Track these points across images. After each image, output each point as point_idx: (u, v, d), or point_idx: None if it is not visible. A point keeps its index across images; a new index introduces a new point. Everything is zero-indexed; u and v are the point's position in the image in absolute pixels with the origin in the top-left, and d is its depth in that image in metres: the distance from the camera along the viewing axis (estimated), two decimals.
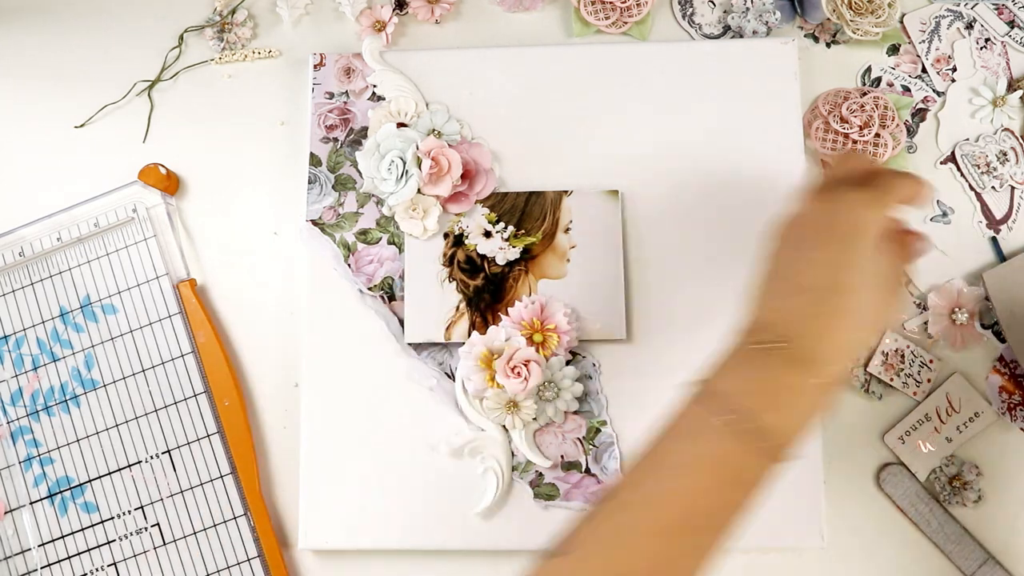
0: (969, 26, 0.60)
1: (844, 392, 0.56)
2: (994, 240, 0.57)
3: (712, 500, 0.40)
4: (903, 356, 0.55)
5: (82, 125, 0.63)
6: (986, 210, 0.58)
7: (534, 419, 0.54)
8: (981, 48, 0.60)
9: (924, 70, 0.60)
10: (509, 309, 0.55)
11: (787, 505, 0.53)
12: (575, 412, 0.55)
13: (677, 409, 0.42)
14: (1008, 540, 0.54)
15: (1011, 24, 0.60)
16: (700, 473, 0.40)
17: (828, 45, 0.61)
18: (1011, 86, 0.59)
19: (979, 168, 0.58)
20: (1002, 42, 0.60)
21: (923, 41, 0.60)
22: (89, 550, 0.57)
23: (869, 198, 0.42)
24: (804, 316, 0.42)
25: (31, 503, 0.57)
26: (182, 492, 0.57)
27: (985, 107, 0.59)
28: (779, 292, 0.44)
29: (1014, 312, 0.54)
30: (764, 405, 0.40)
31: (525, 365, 0.53)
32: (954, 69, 0.60)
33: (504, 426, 0.55)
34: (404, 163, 0.57)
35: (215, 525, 0.56)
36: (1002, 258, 0.57)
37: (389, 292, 0.57)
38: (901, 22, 0.61)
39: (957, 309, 0.55)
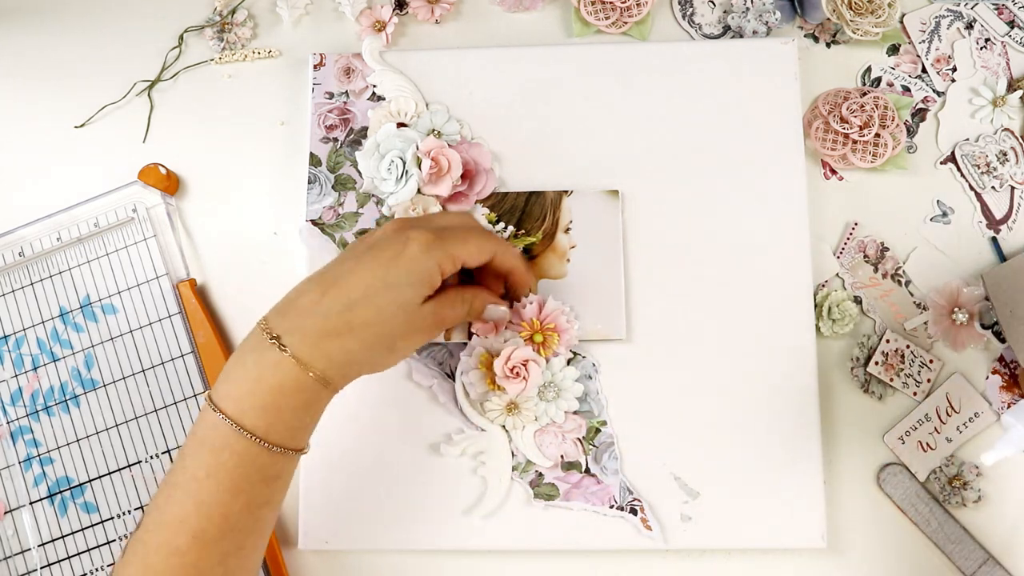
0: (969, 26, 0.60)
1: (843, 391, 0.56)
2: (994, 240, 0.57)
3: (230, 506, 0.42)
4: (903, 356, 0.55)
5: (82, 125, 0.63)
6: (986, 210, 0.58)
7: (535, 419, 0.54)
8: (981, 48, 0.60)
9: (924, 70, 0.60)
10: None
11: (787, 505, 0.53)
12: (575, 412, 0.55)
13: (199, 415, 0.43)
14: (1008, 540, 0.54)
15: (1011, 24, 0.60)
16: (215, 483, 0.42)
17: (828, 45, 0.61)
18: (1011, 86, 0.59)
19: (979, 168, 0.58)
20: (1002, 42, 0.60)
21: (923, 41, 0.60)
22: (89, 550, 0.57)
23: (430, 240, 0.45)
24: (300, 316, 0.44)
25: (31, 503, 0.57)
26: None
27: (985, 107, 0.59)
28: (296, 293, 0.46)
29: (1014, 312, 0.54)
30: (259, 407, 0.42)
31: (524, 365, 0.53)
32: (954, 69, 0.60)
33: (504, 426, 0.55)
34: (404, 163, 0.57)
35: None
36: (1002, 258, 0.57)
37: None
38: (901, 22, 0.61)
39: (957, 309, 0.55)
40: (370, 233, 0.48)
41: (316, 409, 0.45)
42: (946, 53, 0.60)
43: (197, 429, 0.43)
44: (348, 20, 0.63)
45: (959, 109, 0.59)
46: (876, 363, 0.55)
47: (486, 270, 0.51)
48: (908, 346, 0.55)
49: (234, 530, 0.43)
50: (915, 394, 0.55)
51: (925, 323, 0.56)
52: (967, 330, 0.55)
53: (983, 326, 0.56)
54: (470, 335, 0.55)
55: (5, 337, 0.59)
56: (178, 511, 0.42)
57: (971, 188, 0.58)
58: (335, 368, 0.44)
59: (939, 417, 0.55)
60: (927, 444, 0.55)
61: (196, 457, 0.43)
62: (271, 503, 0.45)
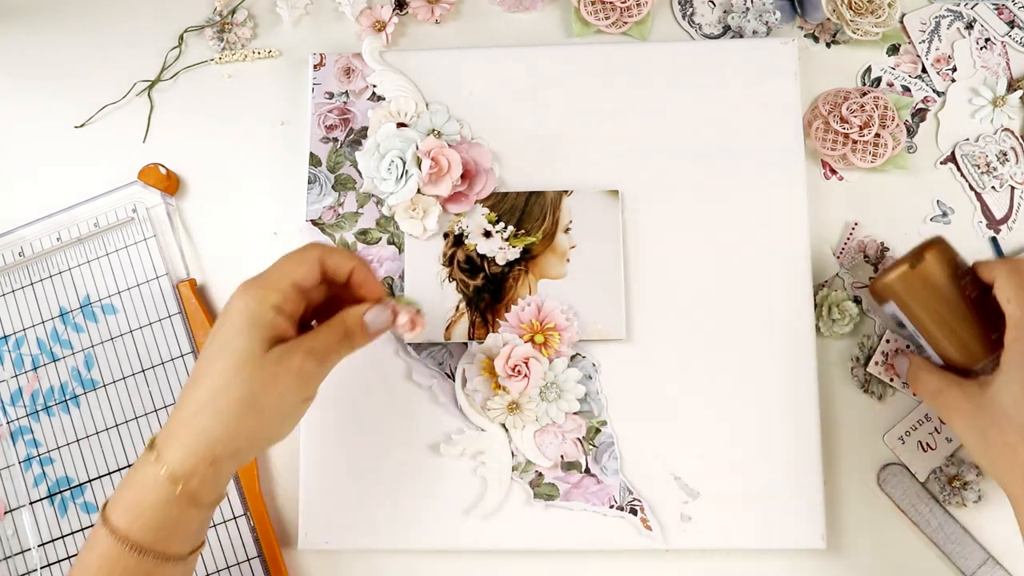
0: (969, 26, 0.60)
1: (843, 391, 0.56)
2: (994, 240, 0.57)
3: None
4: None
5: (82, 125, 0.63)
6: (986, 210, 0.58)
7: (535, 420, 0.54)
8: (981, 48, 0.60)
9: (924, 70, 0.60)
10: (507, 314, 0.55)
11: (787, 505, 0.53)
12: (575, 412, 0.55)
13: (92, 529, 0.44)
14: (1008, 540, 0.53)
15: (1011, 24, 0.60)
16: None
17: (828, 45, 0.61)
18: (1011, 86, 0.59)
19: (979, 168, 0.58)
20: (1002, 42, 0.60)
21: (923, 41, 0.60)
22: None
23: (245, 285, 0.44)
24: (173, 422, 0.43)
25: (31, 503, 0.57)
26: None
27: (985, 107, 0.59)
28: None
29: None
30: (143, 523, 0.42)
31: (524, 362, 0.53)
32: (954, 69, 0.60)
33: (504, 426, 0.55)
34: (404, 163, 0.57)
35: (215, 525, 0.56)
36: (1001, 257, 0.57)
37: (389, 292, 0.57)
38: (901, 22, 0.61)
39: None
40: None
41: (179, 511, 0.43)
42: (946, 53, 0.60)
43: (91, 541, 0.43)
44: (348, 20, 0.63)
45: (959, 109, 0.59)
46: (876, 363, 0.55)
47: (344, 287, 0.48)
48: (908, 346, 0.55)
49: None
50: (915, 395, 0.55)
51: None
52: None
53: None
54: (470, 336, 0.55)
55: (5, 337, 0.59)
56: None
57: (971, 188, 0.58)
58: (196, 455, 0.42)
59: (939, 417, 0.55)
60: (927, 444, 0.55)
61: (91, 569, 0.43)
62: None
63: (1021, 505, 0.44)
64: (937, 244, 0.50)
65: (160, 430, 0.44)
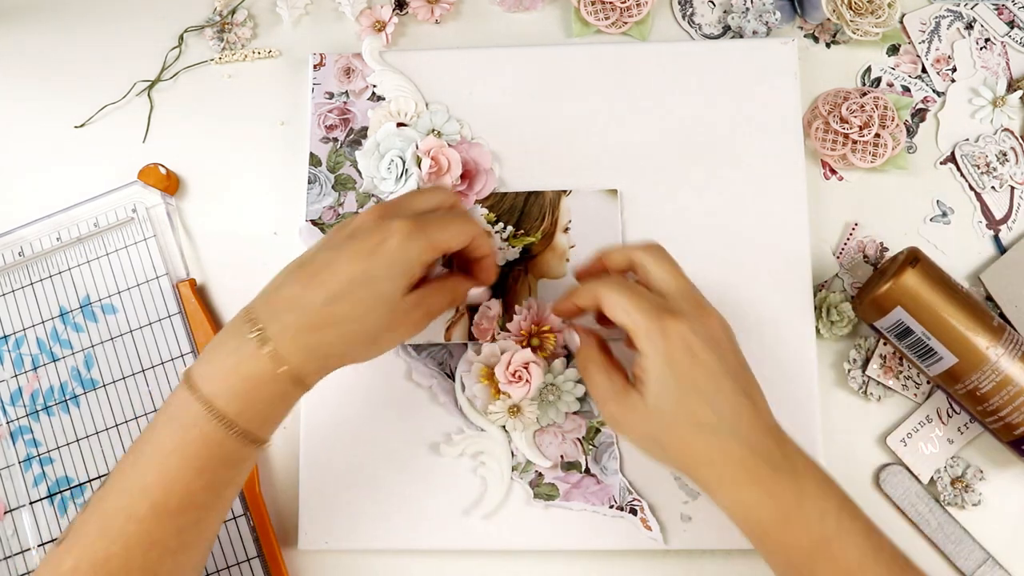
0: (969, 26, 0.60)
1: (842, 393, 0.56)
2: (996, 239, 0.57)
3: (192, 483, 0.43)
4: (901, 358, 0.55)
5: (82, 125, 0.63)
6: (986, 210, 0.58)
7: (535, 421, 0.54)
8: (981, 48, 0.60)
9: (924, 70, 0.60)
10: (508, 324, 0.55)
11: None
12: (575, 412, 0.55)
13: (175, 390, 0.44)
14: (1009, 540, 0.53)
15: (1011, 24, 0.60)
16: (180, 458, 0.42)
17: (828, 45, 0.61)
18: (1011, 86, 0.59)
19: (979, 168, 0.58)
20: (1002, 42, 0.60)
21: (923, 41, 0.60)
22: None
23: (410, 229, 0.45)
24: (282, 307, 0.44)
25: (31, 503, 0.57)
26: None
27: (985, 107, 0.59)
28: (280, 280, 0.46)
29: (1018, 306, 0.54)
30: (232, 393, 0.42)
31: (525, 368, 0.53)
32: (954, 69, 0.60)
33: (504, 427, 0.55)
34: (404, 162, 0.57)
35: None
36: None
37: None
38: (901, 22, 0.61)
39: None
40: (350, 219, 0.47)
41: (286, 404, 0.45)
42: (946, 53, 0.60)
43: (170, 403, 0.44)
44: (348, 20, 0.63)
45: (959, 109, 0.59)
46: (874, 365, 0.55)
47: (458, 254, 0.50)
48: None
49: (194, 506, 0.43)
50: (915, 396, 0.55)
51: None
52: None
53: None
54: (470, 336, 0.55)
55: (5, 337, 0.59)
56: (141, 480, 0.43)
57: (971, 188, 0.58)
58: (313, 361, 0.44)
59: (940, 418, 0.55)
60: (929, 446, 0.55)
61: (165, 430, 0.43)
62: (233, 483, 0.45)
63: (710, 487, 0.44)
64: (915, 249, 0.52)
65: (260, 311, 0.44)
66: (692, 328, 0.44)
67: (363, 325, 0.44)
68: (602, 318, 0.50)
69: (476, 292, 0.52)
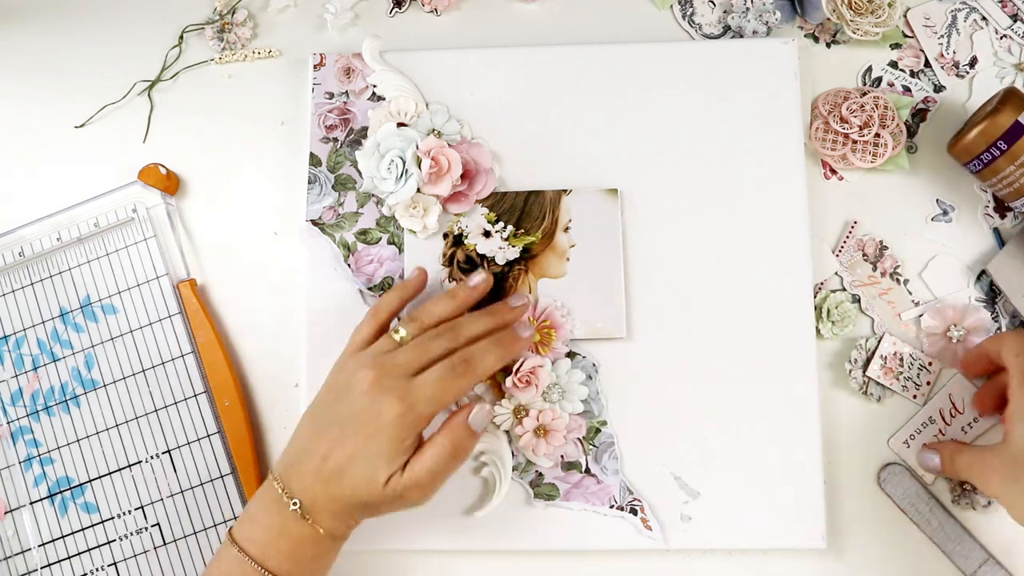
0: (983, 19, 0.60)
1: (842, 393, 0.56)
2: (996, 231, 0.57)
3: None
4: (902, 359, 0.55)
5: (82, 125, 0.63)
6: (997, 200, 0.57)
7: (537, 420, 0.54)
8: (1002, 37, 0.60)
9: (927, 64, 0.60)
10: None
11: (787, 506, 0.53)
12: (576, 413, 0.55)
13: (220, 550, 0.48)
14: (1010, 540, 0.53)
15: (1014, 18, 0.60)
16: None
17: (828, 45, 0.61)
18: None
19: None
20: (1006, 35, 0.60)
21: (942, 36, 0.60)
22: (89, 550, 0.57)
23: (401, 413, 0.47)
24: (308, 482, 0.48)
25: (31, 503, 0.57)
26: (182, 492, 0.57)
27: (1009, 71, 0.59)
28: (299, 447, 0.49)
29: None
30: (282, 555, 0.47)
31: (531, 372, 0.53)
32: (973, 61, 0.59)
33: (507, 431, 0.54)
34: (404, 163, 0.57)
35: (215, 525, 0.56)
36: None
37: None
38: (905, 17, 0.60)
39: (953, 327, 0.55)
40: (347, 384, 0.49)
41: (330, 555, 0.49)
42: (965, 47, 0.60)
43: (219, 562, 0.48)
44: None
45: (983, 99, 0.58)
46: (875, 366, 0.55)
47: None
48: (907, 348, 0.55)
49: None
50: (915, 397, 0.55)
51: (920, 315, 0.56)
52: (963, 345, 0.55)
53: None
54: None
55: (5, 337, 0.59)
56: None
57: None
58: (341, 524, 0.48)
59: (943, 419, 0.55)
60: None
61: None
62: None
63: None
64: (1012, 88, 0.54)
65: (289, 474, 0.48)
66: None
67: (364, 498, 0.47)
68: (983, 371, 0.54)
69: (480, 414, 0.50)
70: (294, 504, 0.47)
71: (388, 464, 0.47)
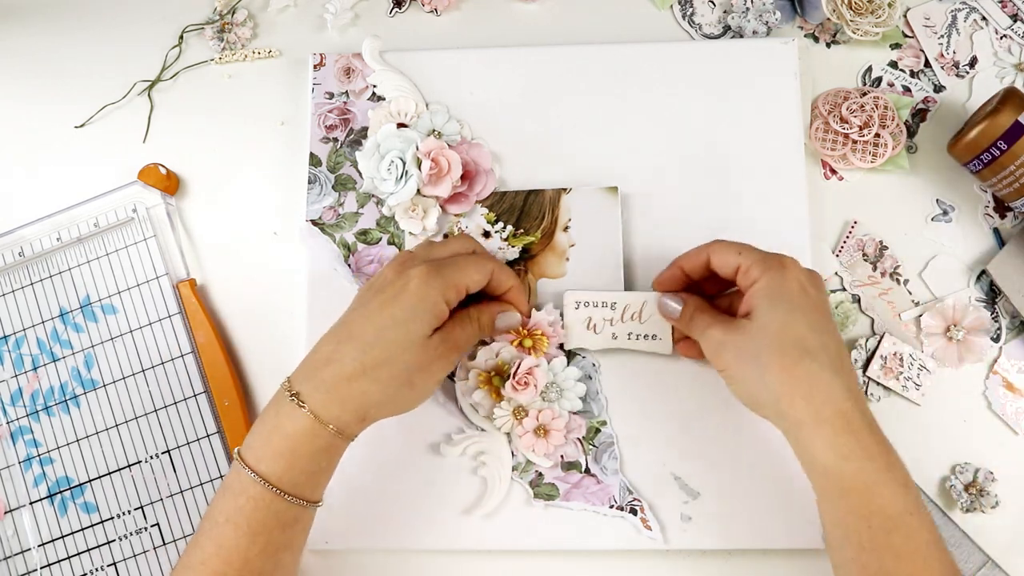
0: (983, 19, 0.60)
1: None
2: (996, 231, 0.57)
3: (248, 549, 0.45)
4: (902, 359, 0.55)
5: (82, 125, 0.63)
6: (996, 199, 0.57)
7: (536, 420, 0.54)
8: (1002, 37, 0.60)
9: (927, 64, 0.60)
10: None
11: (787, 506, 0.53)
12: (575, 412, 0.55)
13: (231, 467, 0.47)
14: (1010, 543, 0.53)
15: (1014, 18, 0.60)
16: (234, 526, 0.45)
17: (828, 45, 0.61)
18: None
19: None
20: (1006, 35, 0.60)
21: (942, 36, 0.60)
22: (89, 550, 0.57)
23: (428, 272, 0.48)
24: (319, 366, 0.46)
25: (31, 503, 0.57)
26: (182, 492, 0.57)
27: (1009, 71, 0.59)
28: (317, 345, 0.48)
29: None
30: (275, 454, 0.45)
31: (529, 373, 0.53)
32: (973, 61, 0.59)
33: (507, 433, 0.54)
34: (404, 163, 0.57)
35: None
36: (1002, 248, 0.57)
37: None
38: (905, 17, 0.60)
39: (953, 327, 0.55)
40: (374, 277, 0.50)
41: (330, 458, 0.47)
42: (965, 47, 0.60)
43: (225, 479, 0.47)
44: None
45: (984, 99, 0.58)
46: (875, 366, 0.55)
47: (485, 291, 0.52)
48: (907, 348, 0.55)
49: (252, 572, 0.45)
50: (915, 397, 0.55)
51: (920, 315, 0.56)
52: (963, 345, 0.55)
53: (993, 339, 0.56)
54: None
55: (5, 337, 0.59)
56: (200, 554, 0.45)
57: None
58: (351, 412, 0.46)
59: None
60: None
61: (219, 502, 0.46)
62: (290, 548, 0.47)
63: (800, 424, 0.44)
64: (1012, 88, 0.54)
65: (298, 376, 0.47)
66: (803, 271, 0.47)
67: (396, 368, 0.46)
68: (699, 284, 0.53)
69: (509, 318, 0.53)
70: (290, 395, 0.45)
71: (423, 326, 0.47)
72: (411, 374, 0.47)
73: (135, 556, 0.56)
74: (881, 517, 0.42)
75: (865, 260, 0.57)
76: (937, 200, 0.58)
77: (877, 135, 0.57)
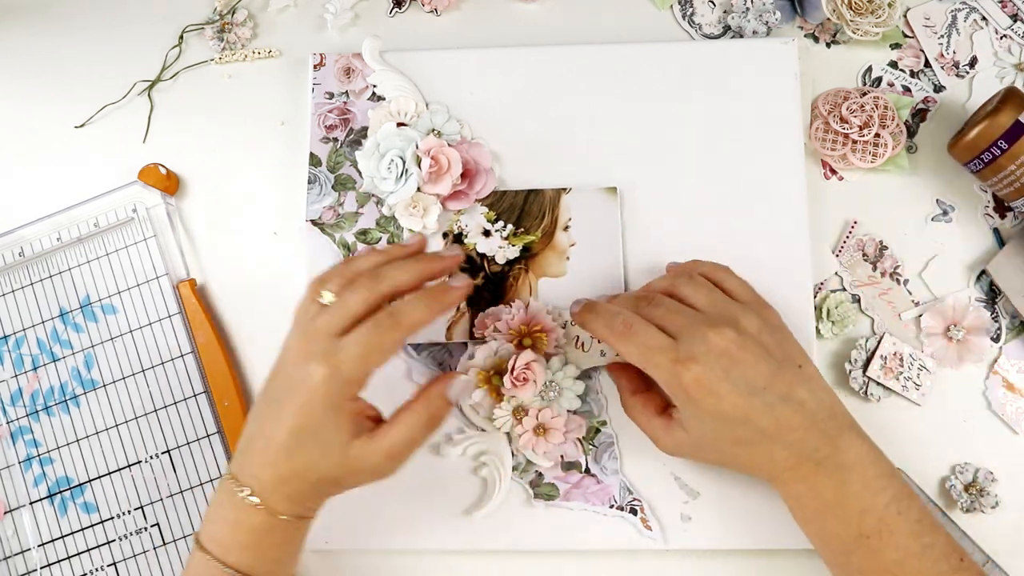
0: (983, 19, 0.60)
1: (841, 394, 0.56)
2: (996, 231, 0.57)
3: None
4: (902, 359, 0.55)
5: (82, 125, 0.63)
6: (996, 199, 0.57)
7: (536, 418, 0.54)
8: (1001, 37, 0.60)
9: (927, 64, 0.60)
10: (496, 323, 0.55)
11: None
12: (575, 412, 0.55)
13: (189, 558, 0.47)
14: (1011, 541, 0.53)
15: (1014, 18, 0.60)
16: None
17: (828, 45, 0.61)
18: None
19: None
20: (1006, 35, 0.60)
21: (942, 36, 0.60)
22: (89, 550, 0.57)
23: (327, 376, 0.45)
24: (257, 464, 0.46)
25: (31, 503, 0.57)
26: (182, 492, 0.57)
27: (1009, 71, 0.59)
28: (249, 433, 0.47)
29: None
30: (241, 547, 0.45)
31: (528, 367, 0.53)
32: (974, 61, 0.59)
33: (508, 434, 0.54)
34: (404, 162, 0.57)
35: None
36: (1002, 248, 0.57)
37: None
38: (905, 17, 0.60)
39: (953, 327, 0.55)
40: (280, 360, 0.47)
41: (295, 541, 0.48)
42: (965, 47, 0.60)
43: (189, 569, 0.46)
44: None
45: (983, 99, 0.58)
46: (875, 366, 0.55)
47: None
48: (908, 351, 0.55)
49: None
50: (915, 398, 0.55)
51: (920, 315, 0.56)
52: (963, 345, 0.55)
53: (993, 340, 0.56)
54: (471, 335, 0.55)
55: (5, 337, 0.59)
56: None
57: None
58: (298, 506, 0.46)
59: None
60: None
61: None
62: None
63: (767, 482, 0.48)
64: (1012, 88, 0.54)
65: (240, 466, 0.46)
66: (707, 366, 0.45)
67: (323, 472, 0.45)
68: None
69: (460, 384, 0.48)
70: (244, 492, 0.45)
71: (337, 432, 0.45)
72: (341, 478, 0.46)
73: (135, 556, 0.56)
74: (839, 542, 0.46)
75: (865, 260, 0.57)
76: (937, 200, 0.58)
77: (877, 135, 0.57)
